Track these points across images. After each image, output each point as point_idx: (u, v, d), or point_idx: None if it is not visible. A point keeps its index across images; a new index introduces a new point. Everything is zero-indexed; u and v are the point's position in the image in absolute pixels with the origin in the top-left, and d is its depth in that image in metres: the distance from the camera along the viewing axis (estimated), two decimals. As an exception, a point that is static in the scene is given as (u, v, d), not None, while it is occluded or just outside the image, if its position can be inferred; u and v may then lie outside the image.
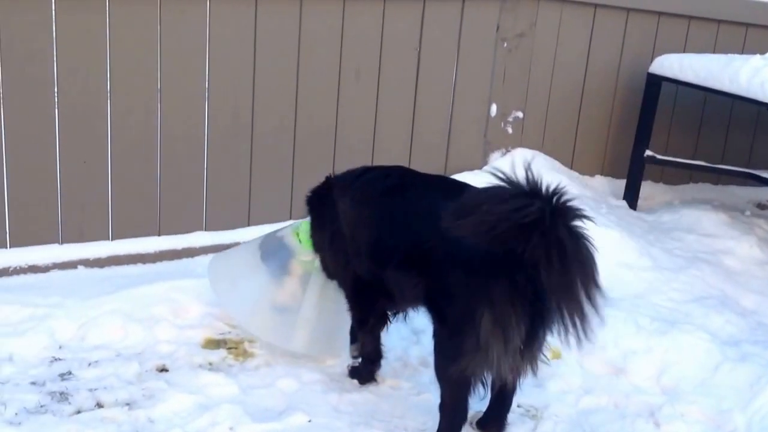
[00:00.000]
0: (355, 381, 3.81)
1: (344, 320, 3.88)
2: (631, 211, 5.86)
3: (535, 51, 5.71)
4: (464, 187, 3.42)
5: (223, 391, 3.59)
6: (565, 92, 5.96)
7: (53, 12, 4.23)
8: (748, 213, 6.18)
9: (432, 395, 3.68)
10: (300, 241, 3.85)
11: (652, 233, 5.43)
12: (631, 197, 5.96)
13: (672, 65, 5.59)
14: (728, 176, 6.40)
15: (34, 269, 4.43)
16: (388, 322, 3.80)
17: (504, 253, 2.88)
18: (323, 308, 3.86)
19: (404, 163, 5.37)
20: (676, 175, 6.45)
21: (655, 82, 5.75)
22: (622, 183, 6.19)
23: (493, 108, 5.67)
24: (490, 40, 5.52)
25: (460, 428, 3.33)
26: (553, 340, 3.87)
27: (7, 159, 4.30)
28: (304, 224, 3.88)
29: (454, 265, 3.12)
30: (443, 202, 3.11)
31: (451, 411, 3.30)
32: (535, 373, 3.23)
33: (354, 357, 3.87)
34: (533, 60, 5.73)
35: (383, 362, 3.91)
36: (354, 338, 3.90)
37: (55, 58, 4.30)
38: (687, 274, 4.97)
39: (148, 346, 3.91)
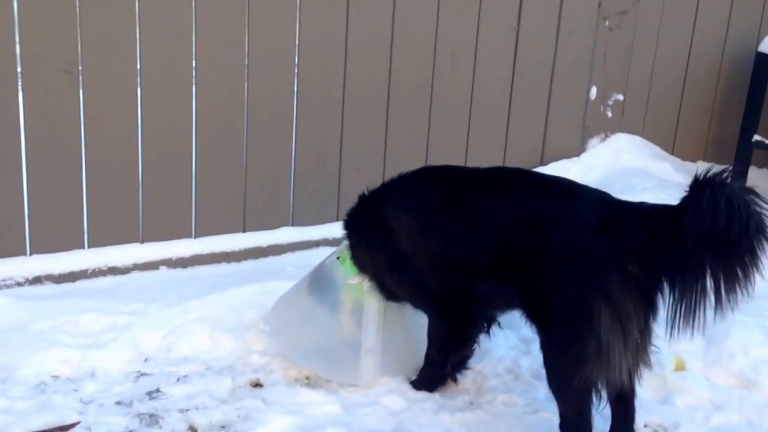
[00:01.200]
0: (441, 393, 3.50)
1: (414, 338, 3.64)
2: (739, 199, 5.47)
3: (638, 29, 5.34)
4: (529, 175, 3.33)
5: (325, 411, 3.31)
6: (667, 73, 5.59)
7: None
8: None
9: (550, 413, 3.38)
10: (344, 266, 3.53)
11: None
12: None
13: (785, 44, 5.19)
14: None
15: (113, 271, 4.18)
16: (483, 332, 3.51)
17: (609, 242, 2.81)
18: (386, 333, 3.55)
19: (500, 151, 5.11)
20: (783, 159, 6.07)
21: (764, 62, 5.34)
22: (726, 168, 5.83)
23: (593, 91, 5.33)
24: (591, 19, 5.17)
25: None
26: (678, 350, 3.60)
27: (86, 152, 4.05)
28: (348, 250, 3.58)
29: (556, 262, 2.88)
30: (524, 196, 3.06)
31: (576, 429, 3.02)
32: (649, 367, 3.02)
33: (411, 382, 3.54)
34: (635, 39, 5.35)
35: (494, 376, 3.63)
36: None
37: (138, 46, 4.02)
38: (809, 270, 4.59)
39: (240, 358, 3.64)
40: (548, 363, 3.03)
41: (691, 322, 2.79)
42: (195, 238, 4.42)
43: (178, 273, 4.30)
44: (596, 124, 5.44)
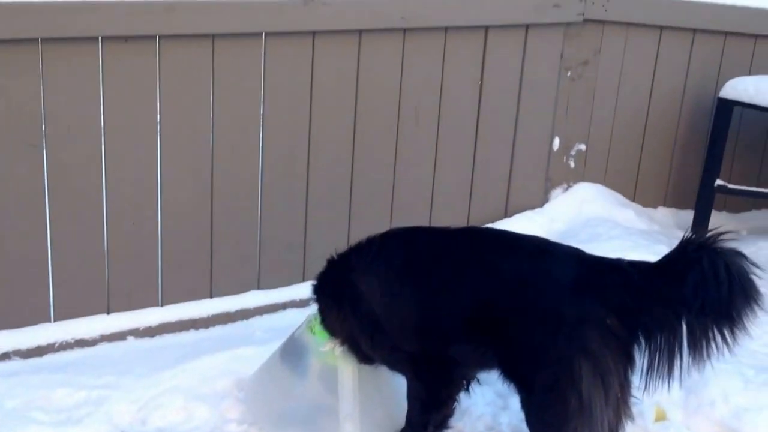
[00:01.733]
0: None
1: (392, 398, 3.61)
2: (703, 244, 5.51)
3: (599, 79, 5.39)
4: (501, 235, 3.30)
5: (308, 481, 3.24)
6: (628, 121, 5.63)
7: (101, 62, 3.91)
8: (824, 242, 5.84)
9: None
10: (315, 334, 3.48)
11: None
12: (700, 229, 5.60)
13: (747, 89, 5.25)
14: (793, 202, 6.10)
15: (81, 343, 4.07)
16: (463, 390, 3.46)
17: (586, 298, 2.83)
18: (363, 397, 3.49)
19: (465, 204, 5.08)
20: (738, 202, 6.12)
21: (726, 107, 5.40)
22: (686, 214, 5.88)
23: (556, 141, 5.35)
24: (553, 70, 5.20)
25: None
26: (658, 400, 3.58)
27: (50, 222, 3.96)
28: (318, 316, 3.53)
29: (534, 321, 2.88)
30: (498, 257, 3.06)
31: None
32: (631, 419, 3.02)
33: None
34: (597, 89, 5.40)
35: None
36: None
37: (102, 115, 3.96)
38: (779, 313, 4.61)
39: (216, 428, 3.55)
40: (531, 422, 3.00)
41: (667, 375, 2.83)
42: (162, 306, 4.33)
43: (147, 342, 4.20)
44: (559, 175, 5.45)
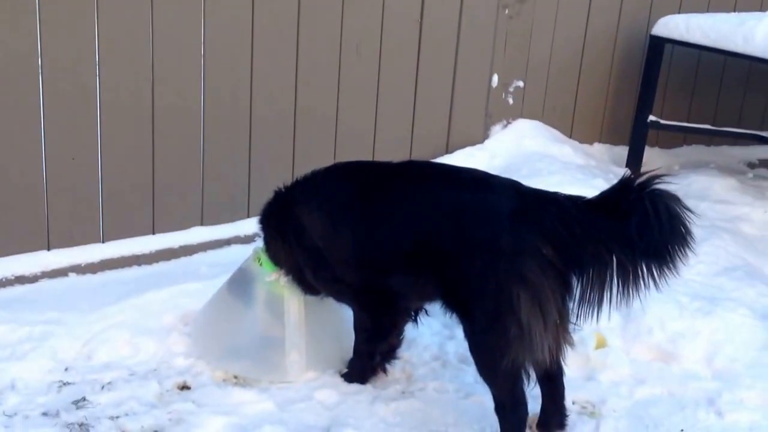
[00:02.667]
0: (373, 384, 3.51)
1: (339, 329, 3.66)
2: (637, 179, 5.62)
3: (536, 17, 5.42)
4: (441, 168, 3.37)
5: (259, 409, 3.26)
6: (564, 58, 5.70)
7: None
8: (751, 176, 6.01)
9: (481, 397, 3.42)
10: (261, 264, 3.50)
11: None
12: (635, 164, 5.72)
13: (678, 26, 5.34)
14: (720, 137, 6.25)
15: (21, 280, 4.01)
16: (410, 320, 3.51)
17: (524, 228, 2.87)
18: (309, 328, 3.53)
19: (407, 141, 5.10)
20: (670, 138, 6.25)
21: (658, 44, 5.49)
22: (620, 149, 6.01)
23: (495, 78, 5.38)
24: (491, 7, 5.22)
25: (525, 426, 3.09)
26: (599, 327, 3.67)
27: (-14, 159, 3.88)
28: (264, 247, 3.55)
29: (474, 251, 2.91)
30: (437, 189, 3.09)
31: (512, 409, 3.06)
32: (571, 345, 3.11)
33: (342, 375, 3.54)
34: (534, 26, 5.43)
35: (422, 364, 3.64)
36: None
37: (39, 48, 3.86)
38: (710, 244, 4.72)
39: (163, 361, 3.55)
40: (474, 350, 3.06)
41: (597, 307, 2.91)
42: (104, 242, 4.28)
43: (89, 279, 4.15)
44: (498, 111, 5.49)
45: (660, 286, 2.87)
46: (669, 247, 2.78)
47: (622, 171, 5.59)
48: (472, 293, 2.94)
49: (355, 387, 3.44)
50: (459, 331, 3.80)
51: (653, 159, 6.18)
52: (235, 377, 3.49)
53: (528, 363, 2.97)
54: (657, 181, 2.81)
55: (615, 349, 3.77)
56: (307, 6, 4.54)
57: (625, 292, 2.87)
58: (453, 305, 3.07)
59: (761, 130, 5.78)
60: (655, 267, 2.83)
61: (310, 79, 4.67)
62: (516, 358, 2.91)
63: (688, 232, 2.80)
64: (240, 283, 3.57)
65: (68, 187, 4.11)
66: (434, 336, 3.83)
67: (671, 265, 2.82)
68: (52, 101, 3.96)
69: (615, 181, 5.10)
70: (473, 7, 5.14)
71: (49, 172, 4.03)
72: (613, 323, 3.78)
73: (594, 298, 2.89)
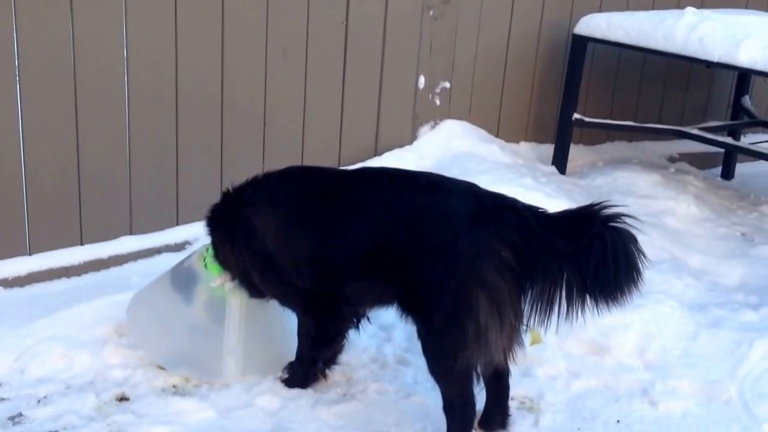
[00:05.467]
0: (314, 389, 3.50)
1: (280, 334, 3.66)
2: (563, 176, 5.72)
3: (460, 18, 5.46)
4: (397, 173, 3.27)
5: (200, 418, 3.24)
6: (489, 59, 5.74)
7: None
8: (673, 170, 6.15)
9: (421, 397, 3.47)
10: (206, 266, 3.48)
11: (592, 198, 5.24)
12: (561, 162, 5.81)
13: (599, 25, 5.43)
14: (641, 133, 6.37)
15: (-53, 295, 3.91)
16: (352, 327, 3.48)
17: (484, 230, 2.89)
18: (249, 330, 3.51)
19: (335, 143, 5.11)
20: (593, 135, 6.36)
21: (581, 43, 5.58)
22: (546, 148, 6.08)
23: (421, 80, 5.41)
24: (416, 9, 5.24)
25: (472, 425, 3.13)
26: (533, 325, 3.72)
27: None
28: (210, 248, 3.51)
29: (433, 253, 2.92)
30: (395, 194, 3.08)
31: (462, 409, 3.08)
32: (521, 346, 3.14)
33: (283, 380, 3.52)
34: (458, 27, 5.47)
35: (361, 366, 3.65)
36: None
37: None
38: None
39: (99, 373, 3.50)
40: (429, 350, 3.04)
41: (545, 318, 2.94)
42: (30, 254, 4.20)
43: (16, 292, 4.07)
44: (426, 112, 5.51)
45: (601, 312, 2.92)
46: (620, 287, 2.84)
47: (549, 169, 5.71)
48: (431, 295, 2.93)
49: (296, 392, 3.43)
50: (396, 333, 3.87)
51: (578, 156, 6.28)
52: (174, 386, 3.45)
53: (481, 363, 2.99)
54: (619, 218, 2.86)
55: (550, 344, 3.82)
56: (231, 10, 4.51)
57: (570, 309, 2.91)
58: (409, 308, 3.05)
59: (681, 125, 5.90)
60: (600, 298, 2.87)
61: (237, 83, 4.64)
62: (471, 359, 2.92)
63: (640, 275, 2.86)
64: (182, 281, 3.55)
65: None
66: (371, 338, 3.84)
67: (617, 301, 2.87)
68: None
69: (544, 179, 5.26)
70: (398, 8, 5.16)
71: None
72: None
73: (542, 308, 2.92)
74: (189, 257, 3.61)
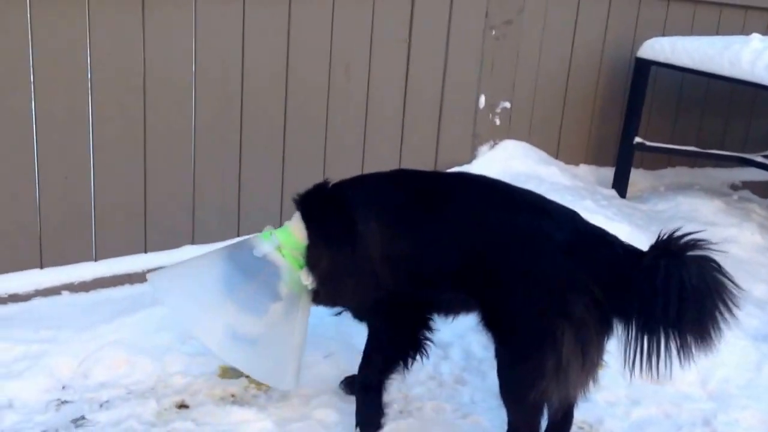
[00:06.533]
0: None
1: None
2: (623, 200, 5.69)
3: (523, 38, 5.47)
4: (500, 187, 3.18)
5: (258, 428, 3.24)
6: (550, 80, 5.75)
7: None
8: (735, 197, 6.09)
9: (479, 417, 3.46)
10: (288, 259, 3.23)
11: (654, 224, 5.25)
12: (621, 186, 5.78)
13: (663, 49, 5.42)
14: (704, 159, 6.32)
15: (15, 298, 3.98)
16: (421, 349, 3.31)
17: (578, 264, 2.79)
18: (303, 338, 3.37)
19: (395, 160, 5.13)
20: (654, 159, 6.32)
21: (644, 66, 5.56)
22: (606, 171, 6.06)
23: (482, 99, 5.42)
24: (478, 29, 5.26)
25: None
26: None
27: (-21, 177, 3.86)
28: (284, 237, 3.25)
29: (524, 279, 2.86)
30: (495, 210, 3.00)
31: None
32: (596, 382, 3.02)
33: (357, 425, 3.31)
34: (520, 47, 5.48)
35: (417, 383, 3.64)
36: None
37: (31, 60, 3.85)
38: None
39: (160, 380, 3.53)
40: (504, 374, 2.98)
41: (648, 362, 2.80)
42: (96, 260, 4.26)
43: (82, 297, 4.13)
44: (485, 132, 5.53)
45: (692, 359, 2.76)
46: (704, 323, 2.67)
47: (609, 192, 5.68)
48: (516, 320, 2.88)
49: (353, 406, 3.42)
50: (453, 352, 3.87)
51: (638, 180, 6.25)
52: (233, 395, 3.47)
53: (556, 398, 2.92)
54: (688, 245, 2.70)
55: (611, 370, 3.77)
56: (296, 27, 4.56)
57: (659, 350, 2.77)
58: (493, 325, 2.99)
59: (744, 152, 5.86)
60: (691, 336, 2.71)
61: (300, 99, 4.69)
62: (546, 392, 2.86)
63: (714, 305, 2.66)
64: (256, 269, 3.24)
65: (61, 206, 4.09)
66: (429, 356, 3.81)
67: (706, 340, 2.71)
68: (46, 120, 3.95)
69: (604, 202, 5.23)
70: (461, 28, 5.18)
71: (41, 190, 4.02)
72: (609, 345, 3.80)
73: (639, 349, 2.79)
74: (249, 241, 3.34)
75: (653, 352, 2.76)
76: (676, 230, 2.76)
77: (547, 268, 2.83)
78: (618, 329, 2.84)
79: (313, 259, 3.21)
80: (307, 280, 3.22)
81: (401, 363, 3.27)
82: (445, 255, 3.02)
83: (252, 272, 3.25)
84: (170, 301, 3.31)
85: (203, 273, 3.30)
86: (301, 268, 3.23)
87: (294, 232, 3.26)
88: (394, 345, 3.26)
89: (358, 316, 3.35)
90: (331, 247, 3.17)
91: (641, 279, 2.70)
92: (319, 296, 3.30)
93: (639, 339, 2.76)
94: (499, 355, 2.98)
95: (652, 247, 2.77)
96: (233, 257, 3.30)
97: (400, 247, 3.09)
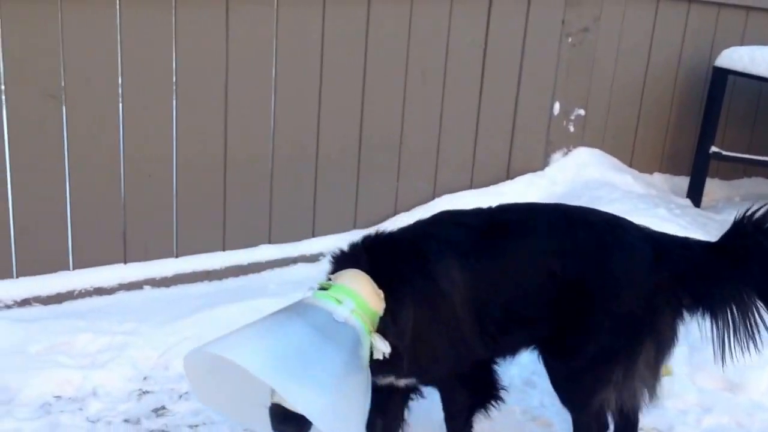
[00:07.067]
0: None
1: None
2: (698, 209, 5.65)
3: (599, 46, 5.48)
4: (573, 212, 3.07)
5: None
6: (626, 88, 5.74)
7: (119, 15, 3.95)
8: (814, 209, 5.98)
9: (548, 419, 3.48)
10: (360, 323, 2.66)
11: (728, 233, 5.22)
12: (696, 195, 5.74)
13: (741, 58, 5.38)
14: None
15: (99, 291, 4.14)
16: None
17: (665, 276, 2.83)
18: None
19: (468, 165, 5.17)
20: (729, 169, 6.26)
21: (721, 76, 5.53)
22: (680, 180, 6.02)
23: (556, 106, 5.44)
24: (554, 36, 5.29)
25: None
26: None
27: (69, 175, 4.01)
28: (355, 300, 2.67)
29: (616, 292, 2.85)
30: (578, 233, 2.92)
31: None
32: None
33: None
34: (596, 55, 5.49)
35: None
36: None
37: (120, 68, 4.01)
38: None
39: (237, 374, 3.64)
40: (566, 385, 3.00)
41: (744, 347, 2.83)
42: (177, 257, 4.40)
43: (163, 292, 4.27)
44: (559, 139, 5.54)
45: None
46: None
47: (683, 202, 5.65)
48: (593, 333, 2.86)
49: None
50: (522, 355, 3.87)
51: (713, 190, 6.19)
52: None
53: (618, 406, 2.97)
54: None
55: (681, 377, 3.78)
56: (374, 31, 4.65)
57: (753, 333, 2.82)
58: (555, 346, 2.95)
59: (822, 163, 5.77)
60: None
61: (377, 104, 4.78)
62: (610, 399, 2.91)
63: None
64: (336, 334, 2.61)
65: (145, 203, 4.24)
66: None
67: None
68: (130, 121, 4.10)
69: (678, 211, 5.20)
70: (537, 34, 5.22)
71: (126, 189, 4.16)
72: (679, 352, 3.81)
73: (730, 339, 2.83)
74: (313, 304, 2.69)
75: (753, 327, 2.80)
76: (747, 210, 2.82)
77: (640, 277, 2.85)
78: (707, 322, 2.86)
79: (398, 322, 2.72)
80: (386, 348, 2.70)
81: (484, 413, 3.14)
82: (541, 284, 2.87)
83: (335, 337, 2.62)
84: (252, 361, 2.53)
85: (280, 333, 2.61)
86: (370, 333, 2.70)
87: (363, 294, 2.69)
88: (472, 407, 3.09)
89: (431, 381, 3.04)
90: (420, 306, 2.76)
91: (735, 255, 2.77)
92: (395, 367, 2.80)
93: (735, 319, 2.80)
94: (558, 368, 2.99)
95: (734, 227, 2.82)
96: (308, 320, 2.63)
97: (490, 287, 2.85)
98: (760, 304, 2.79)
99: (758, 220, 2.79)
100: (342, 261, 2.81)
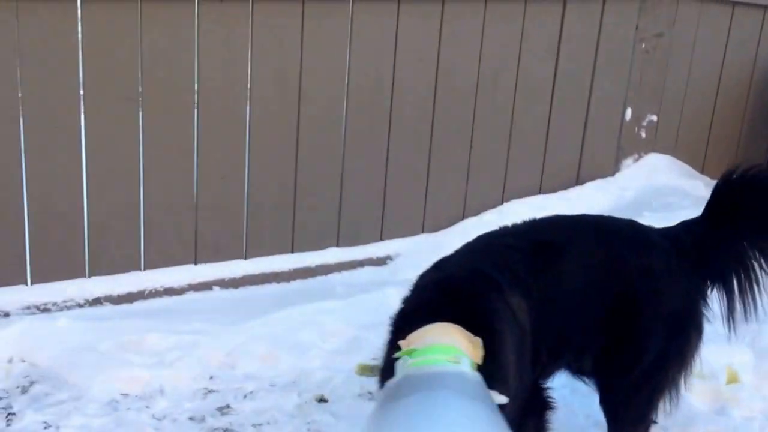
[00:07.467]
0: None
1: None
2: (772, 217, 5.53)
3: (673, 51, 5.43)
4: (602, 219, 3.07)
5: (394, 424, 3.36)
6: (699, 94, 5.68)
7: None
8: None
9: None
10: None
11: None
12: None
13: (818, 64, 5.27)
14: None
15: (169, 291, 4.24)
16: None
17: (697, 275, 2.88)
18: None
19: (538, 170, 5.16)
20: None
21: (797, 82, 5.43)
22: (754, 188, 5.89)
23: (628, 112, 5.41)
24: (628, 41, 5.26)
25: None
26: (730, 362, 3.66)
27: (143, 176, 4.12)
28: (459, 353, 2.32)
29: (657, 298, 2.83)
30: (621, 249, 2.86)
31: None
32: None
33: None
34: (670, 61, 5.44)
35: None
36: None
37: (196, 73, 4.10)
38: None
39: (302, 374, 3.68)
40: (625, 404, 2.96)
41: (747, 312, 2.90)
42: (246, 258, 4.48)
43: (231, 293, 4.36)
44: (630, 145, 5.51)
45: None
46: None
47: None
48: (643, 340, 2.84)
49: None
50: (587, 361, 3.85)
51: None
52: (370, 392, 3.59)
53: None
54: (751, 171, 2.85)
55: (747, 385, 3.73)
56: (447, 37, 4.68)
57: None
58: (608, 364, 2.90)
59: None
60: None
61: (448, 107, 4.81)
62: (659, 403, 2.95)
63: None
64: (473, 392, 2.24)
65: (216, 206, 4.33)
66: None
67: None
68: (206, 126, 4.19)
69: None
70: (610, 39, 5.20)
71: (199, 190, 4.26)
72: (746, 360, 3.76)
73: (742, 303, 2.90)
74: (425, 373, 2.29)
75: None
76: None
77: (675, 274, 2.84)
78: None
79: (504, 369, 2.47)
80: (503, 399, 2.36)
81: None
82: (591, 300, 2.82)
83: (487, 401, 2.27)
84: None
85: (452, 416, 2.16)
86: None
87: (462, 347, 2.37)
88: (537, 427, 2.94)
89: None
90: (513, 345, 2.56)
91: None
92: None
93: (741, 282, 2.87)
94: (611, 388, 2.96)
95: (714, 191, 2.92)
96: (456, 390, 2.24)
97: (549, 310, 2.72)
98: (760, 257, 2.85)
99: (736, 180, 2.86)
100: (416, 314, 2.48)
